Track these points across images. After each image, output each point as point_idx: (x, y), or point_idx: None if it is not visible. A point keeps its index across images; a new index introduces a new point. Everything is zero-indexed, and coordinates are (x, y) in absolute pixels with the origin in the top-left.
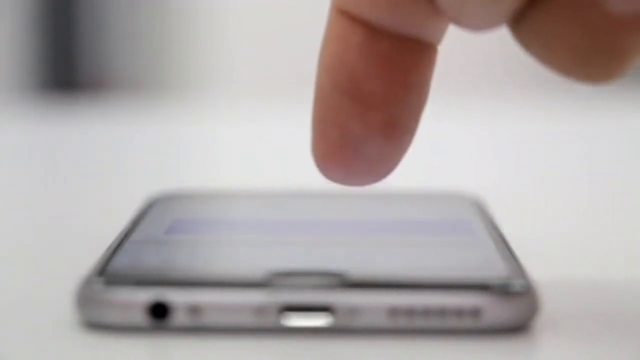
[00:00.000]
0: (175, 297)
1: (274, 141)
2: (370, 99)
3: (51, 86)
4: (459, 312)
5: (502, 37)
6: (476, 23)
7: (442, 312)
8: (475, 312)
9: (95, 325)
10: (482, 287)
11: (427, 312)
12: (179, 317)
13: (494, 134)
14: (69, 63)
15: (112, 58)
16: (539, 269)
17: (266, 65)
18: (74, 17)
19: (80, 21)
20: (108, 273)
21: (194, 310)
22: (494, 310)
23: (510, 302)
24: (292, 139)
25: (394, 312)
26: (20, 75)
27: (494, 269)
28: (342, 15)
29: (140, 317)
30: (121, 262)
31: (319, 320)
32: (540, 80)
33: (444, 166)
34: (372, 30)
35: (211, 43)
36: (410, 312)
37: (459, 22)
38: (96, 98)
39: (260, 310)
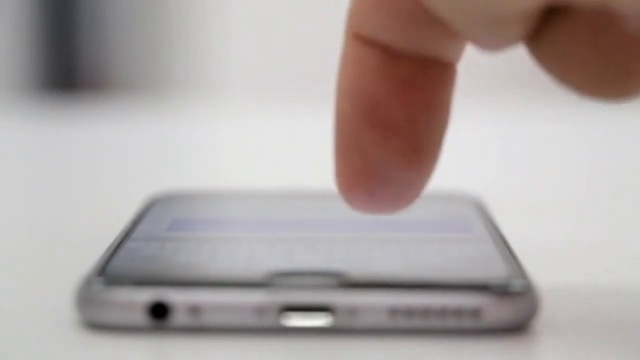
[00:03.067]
0: (175, 297)
1: (274, 141)
2: (392, 124)
3: (51, 86)
4: (458, 312)
5: None
6: (491, 44)
7: (442, 312)
8: (475, 312)
9: (95, 325)
10: (482, 287)
11: (427, 312)
12: (179, 317)
13: (494, 134)
14: (69, 63)
15: (112, 58)
16: (539, 269)
17: (266, 66)
18: (74, 17)
19: (80, 21)
20: (108, 273)
21: (194, 310)
22: (494, 310)
23: (510, 302)
24: (291, 139)
25: (394, 312)
26: (20, 75)
27: (493, 269)
28: (358, 39)
29: (140, 317)
30: (121, 262)
31: (319, 320)
32: (540, 80)
33: (444, 166)
34: (389, 53)
35: (211, 43)
36: (410, 312)
37: (474, 43)
38: (96, 98)
39: (260, 310)
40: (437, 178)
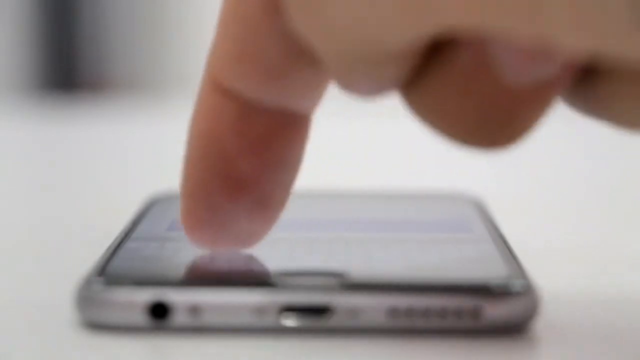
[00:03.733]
0: (175, 297)
1: None
2: (242, 179)
3: (51, 86)
4: (459, 312)
5: None
6: (364, 87)
7: (442, 312)
8: (475, 312)
9: (95, 325)
10: (482, 287)
11: (427, 312)
12: (179, 317)
13: None
14: (69, 63)
15: (112, 58)
16: (539, 269)
17: None
18: (74, 17)
19: (80, 21)
20: (108, 273)
21: (194, 310)
22: (494, 310)
23: (510, 302)
24: None
25: (394, 312)
26: (20, 75)
27: (494, 269)
28: (215, 87)
29: (140, 317)
30: (121, 262)
31: (319, 320)
32: None
33: (444, 166)
34: (245, 106)
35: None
36: (410, 312)
37: (348, 87)
38: (96, 98)
39: (260, 310)
40: (437, 178)
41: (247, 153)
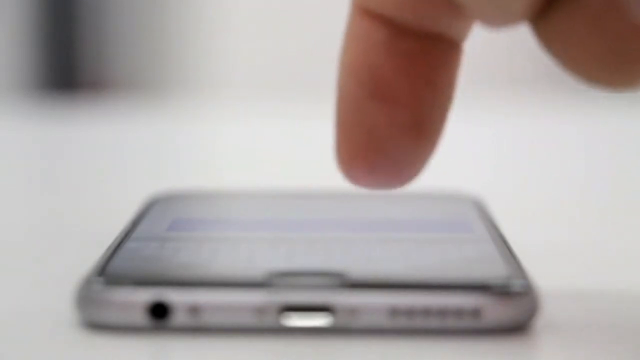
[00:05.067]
0: (175, 297)
1: (274, 141)
2: (397, 98)
3: (51, 86)
4: (459, 312)
5: (502, 38)
6: (495, 19)
7: (442, 312)
8: (475, 312)
9: (95, 325)
10: (482, 287)
11: (427, 312)
12: (179, 317)
13: (494, 133)
14: (69, 63)
15: (112, 58)
16: (539, 269)
17: (266, 65)
18: (74, 17)
19: (80, 21)
20: (108, 273)
21: (194, 310)
22: (494, 310)
23: (510, 302)
24: (292, 139)
25: (394, 312)
26: (20, 75)
27: (494, 269)
28: (364, 14)
29: (140, 317)
30: (121, 262)
31: (319, 320)
32: (541, 80)
33: (444, 166)
34: (395, 29)
35: (211, 43)
36: (410, 312)
37: (480, 19)
38: (96, 98)
39: (260, 310)
40: (437, 178)
41: (399, 72)
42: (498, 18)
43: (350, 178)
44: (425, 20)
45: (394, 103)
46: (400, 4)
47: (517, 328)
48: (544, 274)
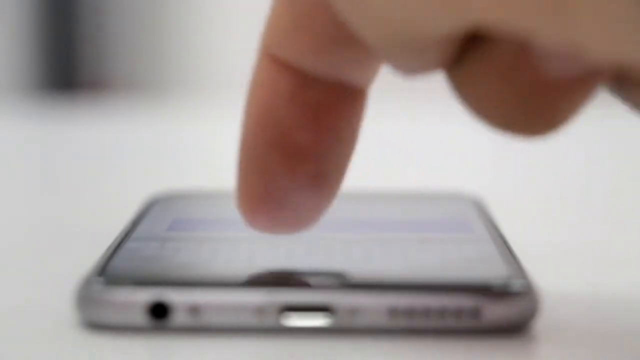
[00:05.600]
0: (175, 297)
1: None
2: (299, 151)
3: (51, 86)
4: (459, 312)
5: None
6: (409, 68)
7: (442, 312)
8: (475, 312)
9: (95, 325)
10: (482, 287)
11: (427, 312)
12: (179, 317)
13: (494, 133)
14: (69, 63)
15: (112, 58)
16: (539, 269)
17: None
18: (74, 17)
19: (80, 21)
20: (108, 273)
21: (194, 310)
22: (494, 310)
23: (510, 302)
24: None
25: (394, 312)
26: (20, 75)
27: (494, 269)
28: (271, 60)
29: (140, 317)
30: (121, 262)
31: (319, 320)
32: None
33: (444, 166)
34: (301, 77)
35: (211, 43)
36: (410, 312)
37: (394, 67)
38: (96, 98)
39: (260, 310)
40: (437, 178)
41: (303, 124)
42: (411, 66)
43: (250, 225)
44: (334, 69)
45: (297, 155)
46: (310, 51)
47: (517, 328)
48: (544, 274)
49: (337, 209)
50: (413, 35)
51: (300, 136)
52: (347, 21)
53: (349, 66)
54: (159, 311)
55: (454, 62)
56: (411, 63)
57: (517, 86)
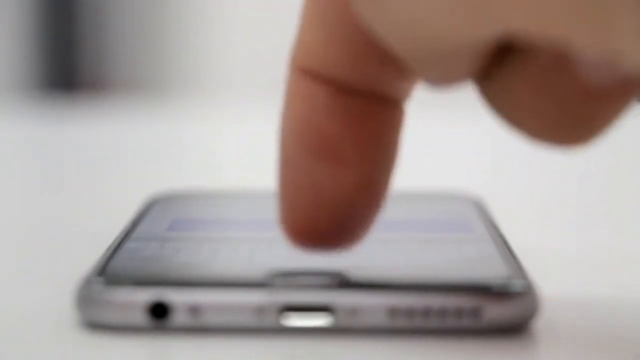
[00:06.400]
0: (175, 297)
1: (274, 141)
2: (345, 159)
3: (51, 86)
4: (459, 312)
5: None
6: (439, 80)
7: (442, 312)
8: (475, 312)
9: (95, 325)
10: (482, 287)
11: (427, 312)
12: (179, 317)
13: (494, 133)
14: (69, 63)
15: (112, 58)
16: (539, 269)
17: (266, 65)
18: (74, 17)
19: (80, 21)
20: (108, 273)
21: (194, 310)
22: (494, 310)
23: (510, 302)
24: None
25: (394, 312)
26: (20, 75)
27: (494, 269)
28: (305, 74)
29: (140, 317)
30: (121, 262)
31: (319, 320)
32: None
33: (444, 166)
34: (337, 88)
35: (211, 43)
36: (410, 312)
37: (424, 79)
38: (96, 98)
39: (260, 310)
40: (437, 178)
41: (344, 132)
42: (441, 78)
43: (299, 243)
44: (369, 82)
45: (343, 163)
46: (345, 65)
47: (517, 328)
48: (544, 274)
49: None
50: (440, 47)
51: (344, 144)
52: (379, 36)
53: (383, 80)
54: (159, 311)
55: (485, 73)
56: (442, 75)
57: (555, 97)
